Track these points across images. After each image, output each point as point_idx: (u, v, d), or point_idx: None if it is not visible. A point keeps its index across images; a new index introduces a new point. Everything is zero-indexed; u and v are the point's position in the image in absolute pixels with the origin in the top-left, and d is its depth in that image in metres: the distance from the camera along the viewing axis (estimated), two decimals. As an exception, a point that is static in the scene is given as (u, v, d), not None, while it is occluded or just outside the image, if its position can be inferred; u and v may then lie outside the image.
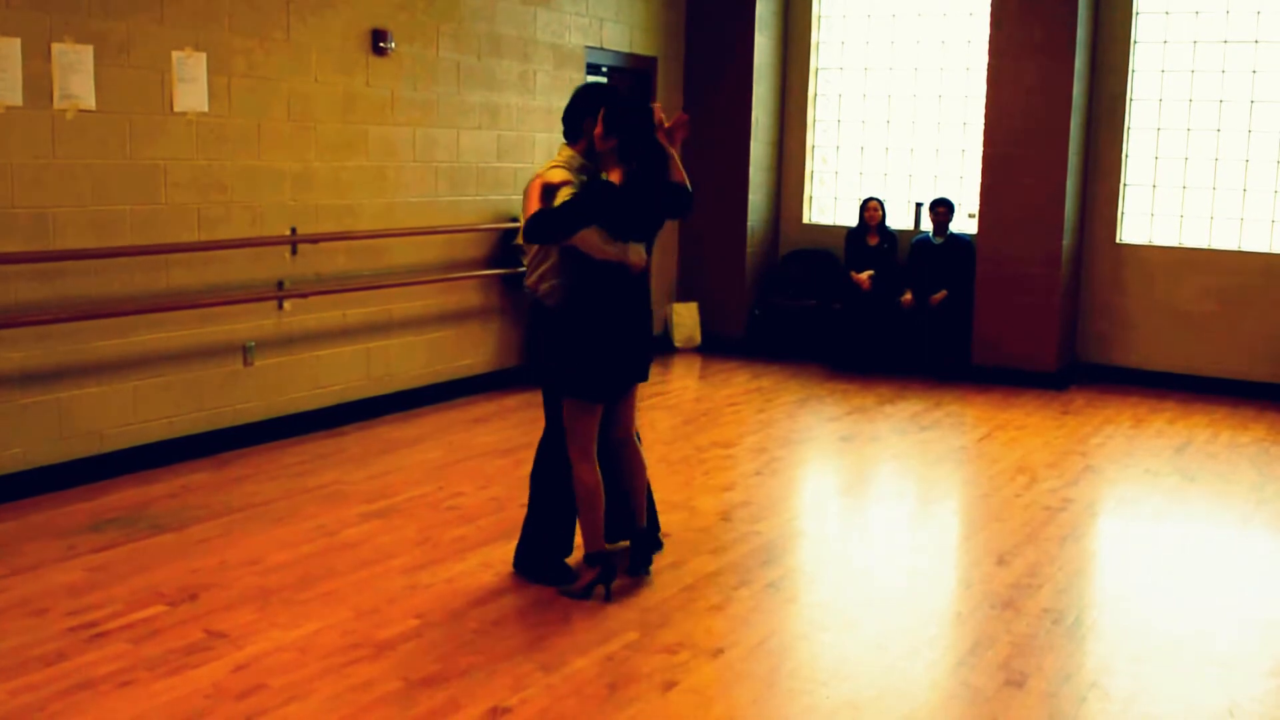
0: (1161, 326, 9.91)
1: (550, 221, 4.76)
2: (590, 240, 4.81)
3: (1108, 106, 9.96)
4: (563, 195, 4.81)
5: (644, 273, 5.05)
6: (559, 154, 5.12)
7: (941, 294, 10.05)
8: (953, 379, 10.01)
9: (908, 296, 10.12)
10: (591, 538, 5.07)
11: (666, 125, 5.03)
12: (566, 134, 5.14)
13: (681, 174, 5.08)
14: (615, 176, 4.86)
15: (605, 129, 4.89)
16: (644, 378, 5.22)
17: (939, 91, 10.72)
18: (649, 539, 5.41)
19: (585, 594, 5.04)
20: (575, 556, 5.37)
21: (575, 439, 5.02)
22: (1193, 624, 5.03)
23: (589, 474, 5.02)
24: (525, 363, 9.28)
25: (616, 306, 4.97)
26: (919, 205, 10.64)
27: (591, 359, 4.94)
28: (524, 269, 9.12)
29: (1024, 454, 7.70)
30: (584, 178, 4.94)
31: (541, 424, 5.37)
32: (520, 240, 5.30)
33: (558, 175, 4.92)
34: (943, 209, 10.20)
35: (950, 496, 7.21)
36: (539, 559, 5.28)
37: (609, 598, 5.02)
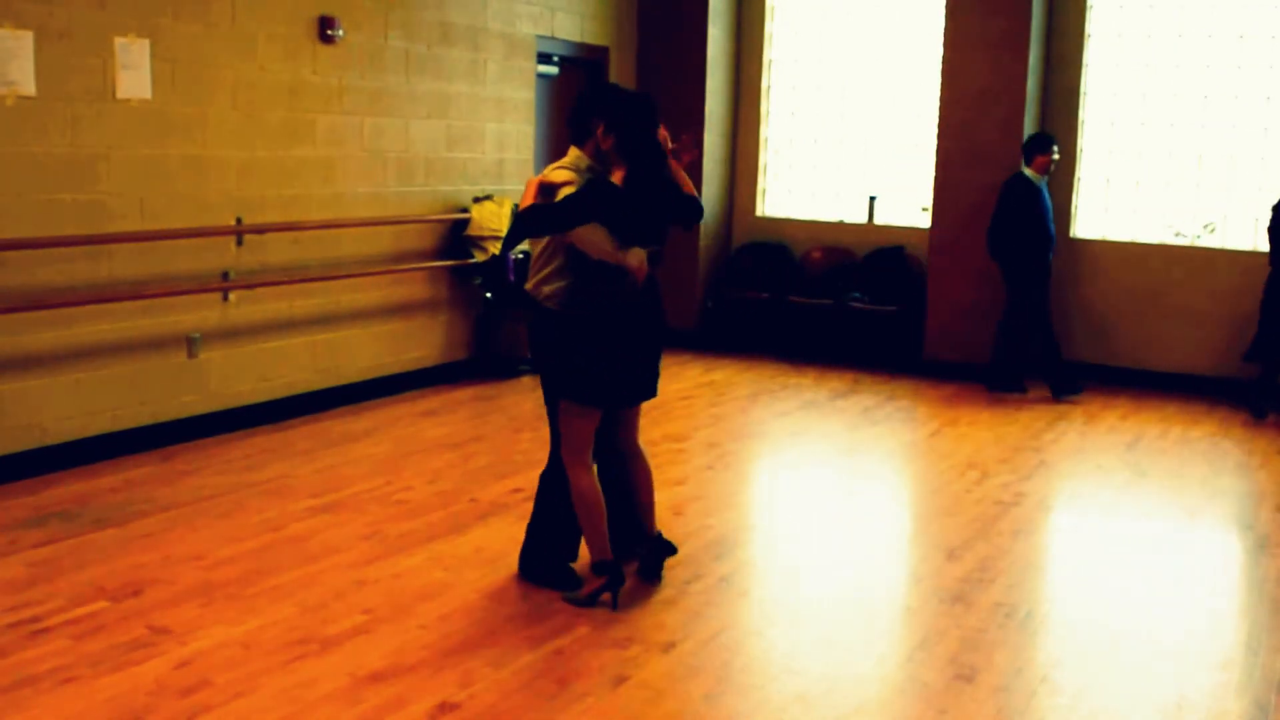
0: (1115, 322, 9.94)
1: (543, 215, 4.70)
2: (590, 238, 4.68)
3: (1062, 100, 10.00)
4: (563, 194, 4.71)
5: (652, 282, 4.95)
6: (568, 155, 4.95)
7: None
8: (905, 373, 10.03)
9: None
10: (597, 547, 4.88)
11: (671, 146, 4.96)
12: (574, 136, 4.95)
13: (689, 188, 5.00)
14: (617, 177, 4.73)
15: (605, 125, 4.79)
16: (651, 394, 5.07)
17: (893, 84, 10.71)
18: (661, 544, 5.23)
19: (590, 602, 4.85)
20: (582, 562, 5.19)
21: (570, 444, 4.87)
22: (1143, 618, 5.06)
23: (586, 481, 4.86)
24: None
25: (617, 310, 4.83)
26: (873, 198, 10.64)
27: (589, 361, 4.78)
28: (474, 260, 9.04)
29: (976, 449, 7.71)
30: (590, 177, 4.82)
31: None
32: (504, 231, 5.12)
33: (560, 175, 4.80)
34: None
35: (901, 491, 7.21)
36: (543, 562, 5.14)
37: (615, 607, 4.85)
